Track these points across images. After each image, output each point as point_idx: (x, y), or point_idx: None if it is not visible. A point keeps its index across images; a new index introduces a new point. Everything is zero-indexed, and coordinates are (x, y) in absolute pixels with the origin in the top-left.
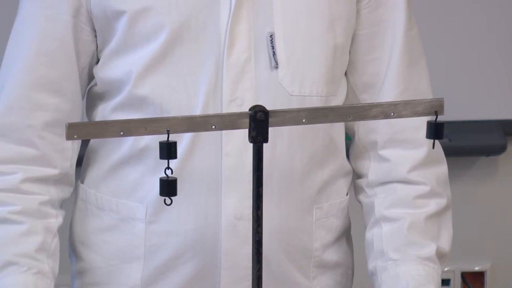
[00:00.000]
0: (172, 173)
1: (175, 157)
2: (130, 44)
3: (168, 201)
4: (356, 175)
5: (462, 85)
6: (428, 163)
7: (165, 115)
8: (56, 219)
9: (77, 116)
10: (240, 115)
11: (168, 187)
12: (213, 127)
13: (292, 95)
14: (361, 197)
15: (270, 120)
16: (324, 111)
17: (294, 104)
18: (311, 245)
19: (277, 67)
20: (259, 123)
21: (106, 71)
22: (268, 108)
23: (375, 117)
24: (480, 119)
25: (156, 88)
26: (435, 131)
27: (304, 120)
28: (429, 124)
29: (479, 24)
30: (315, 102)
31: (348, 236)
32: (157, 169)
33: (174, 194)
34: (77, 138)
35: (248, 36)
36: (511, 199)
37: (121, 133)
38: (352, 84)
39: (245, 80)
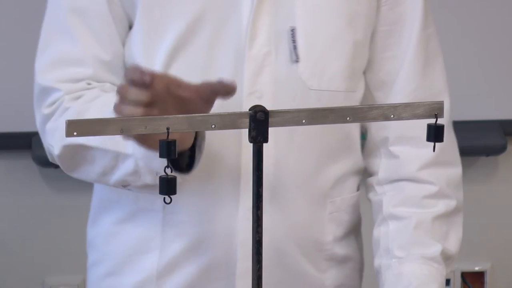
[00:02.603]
0: (171, 171)
1: (174, 156)
2: (151, 33)
3: (167, 199)
4: (368, 173)
5: (462, 85)
6: (439, 163)
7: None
8: None
9: None
10: (240, 114)
11: (168, 186)
12: (213, 126)
13: (311, 89)
14: (371, 195)
15: (270, 120)
16: (324, 112)
17: (313, 98)
18: (323, 238)
19: (297, 61)
20: (259, 123)
21: (127, 60)
22: (287, 102)
23: (375, 119)
24: (480, 119)
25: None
26: (435, 134)
27: (304, 121)
28: (429, 127)
29: (479, 24)
30: (333, 96)
31: (357, 231)
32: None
33: (174, 192)
34: (77, 135)
35: (269, 30)
36: (511, 199)
37: (121, 130)
38: (368, 81)
39: (265, 74)
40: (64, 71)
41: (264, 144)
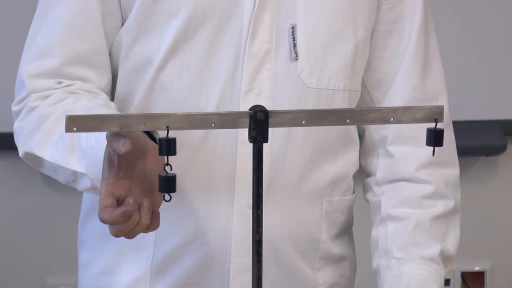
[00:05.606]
0: (171, 169)
1: (174, 153)
2: (151, 27)
3: (167, 197)
4: (365, 174)
5: (462, 85)
6: (438, 163)
7: (183, 99)
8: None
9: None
10: (240, 114)
11: (167, 183)
12: (213, 125)
13: (309, 88)
14: (369, 196)
15: (270, 120)
16: (324, 113)
17: (311, 97)
18: (319, 237)
19: (296, 59)
20: (259, 123)
21: (117, 51)
22: (285, 100)
23: (374, 122)
24: (480, 119)
25: (175, 72)
26: (435, 138)
27: (304, 122)
28: (429, 131)
29: (479, 23)
30: (332, 95)
31: (350, 232)
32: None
33: (173, 190)
34: (76, 131)
35: (271, 27)
36: (511, 199)
37: (121, 127)
38: (366, 81)
39: (264, 71)
40: (36, 64)
41: None
